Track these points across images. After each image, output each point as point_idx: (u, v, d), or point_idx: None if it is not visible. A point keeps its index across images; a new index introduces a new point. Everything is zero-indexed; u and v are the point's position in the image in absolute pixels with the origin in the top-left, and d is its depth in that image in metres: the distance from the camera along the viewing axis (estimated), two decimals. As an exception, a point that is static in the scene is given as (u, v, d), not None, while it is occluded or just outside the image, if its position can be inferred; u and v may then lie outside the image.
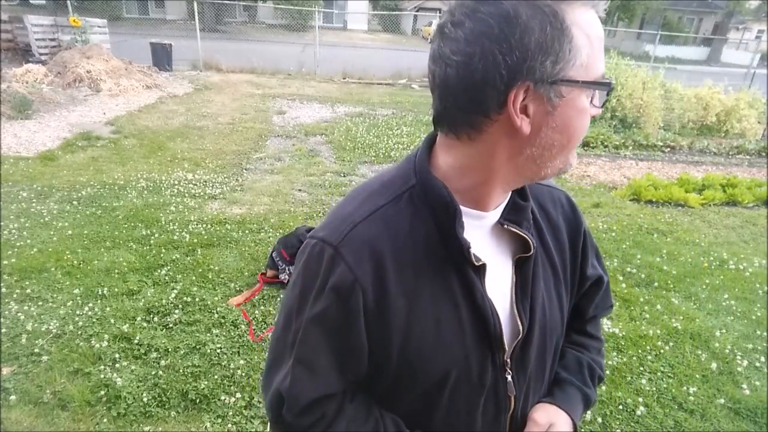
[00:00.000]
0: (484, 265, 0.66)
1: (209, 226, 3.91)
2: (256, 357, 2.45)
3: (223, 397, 2.18)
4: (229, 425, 2.06)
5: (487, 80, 0.55)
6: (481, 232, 0.68)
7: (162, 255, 3.37)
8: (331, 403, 0.69)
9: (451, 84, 0.58)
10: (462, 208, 0.65)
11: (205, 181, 4.92)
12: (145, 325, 2.63)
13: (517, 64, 0.54)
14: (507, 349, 0.69)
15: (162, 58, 11.27)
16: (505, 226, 0.69)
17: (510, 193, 0.70)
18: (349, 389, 0.71)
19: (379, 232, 0.65)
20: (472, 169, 0.64)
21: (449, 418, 0.71)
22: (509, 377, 0.71)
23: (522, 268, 0.71)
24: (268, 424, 0.82)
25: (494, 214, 0.69)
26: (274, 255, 3.08)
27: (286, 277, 3.02)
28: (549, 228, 0.77)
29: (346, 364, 0.68)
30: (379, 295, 0.64)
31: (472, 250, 0.64)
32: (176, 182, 4.83)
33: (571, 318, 0.83)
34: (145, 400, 2.14)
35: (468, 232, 0.65)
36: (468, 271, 0.66)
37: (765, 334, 3.04)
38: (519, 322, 0.70)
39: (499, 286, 0.70)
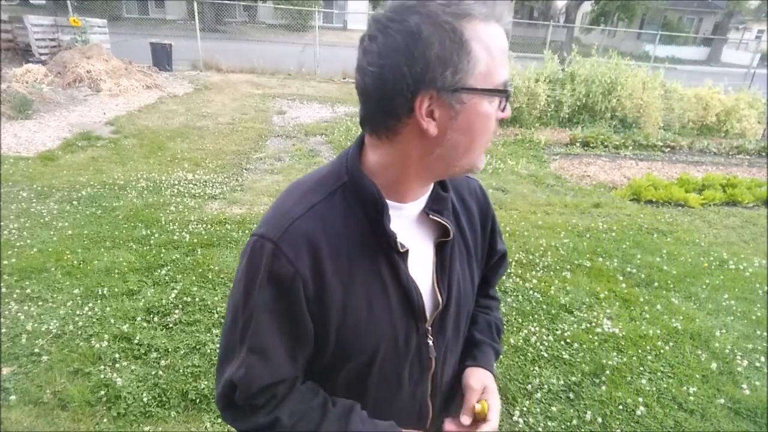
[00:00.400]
0: (407, 251, 0.76)
1: (209, 226, 3.91)
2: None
3: (223, 397, 2.18)
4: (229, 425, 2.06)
5: (396, 89, 0.64)
6: (404, 222, 0.77)
7: (162, 255, 3.37)
8: (282, 387, 0.76)
9: (369, 91, 0.67)
10: (387, 201, 0.73)
11: (205, 181, 4.92)
12: (145, 325, 2.63)
13: (420, 74, 0.62)
14: (428, 318, 0.81)
15: (162, 58, 11.27)
16: (430, 215, 0.79)
17: (432, 185, 0.79)
18: (299, 375, 0.78)
19: (315, 226, 0.72)
20: (393, 166, 0.73)
21: (381, 383, 0.81)
22: (430, 342, 0.82)
23: (442, 250, 0.81)
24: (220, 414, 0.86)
25: (416, 205, 0.78)
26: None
27: None
28: (465, 213, 0.88)
29: (295, 349, 0.75)
30: (318, 283, 0.71)
31: (398, 239, 0.74)
32: (176, 182, 4.84)
33: (479, 286, 0.96)
34: (145, 400, 2.14)
35: (393, 222, 0.74)
36: (394, 257, 0.75)
37: (765, 334, 3.04)
38: (439, 296, 0.81)
39: (421, 267, 0.80)
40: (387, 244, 0.74)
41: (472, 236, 0.88)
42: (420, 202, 0.78)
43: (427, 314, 0.81)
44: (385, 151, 0.72)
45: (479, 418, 0.84)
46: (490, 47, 0.64)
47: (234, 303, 0.75)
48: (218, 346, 0.89)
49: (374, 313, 0.75)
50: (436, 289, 0.81)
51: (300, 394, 0.78)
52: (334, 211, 0.73)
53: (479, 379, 0.89)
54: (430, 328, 0.82)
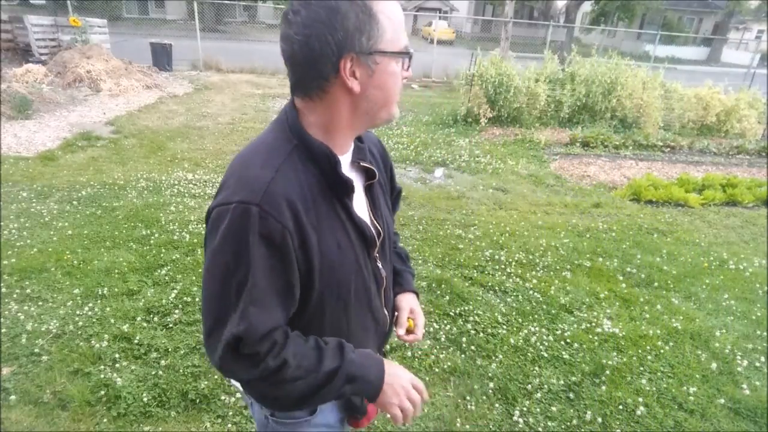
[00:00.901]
0: (353, 193, 0.91)
1: (209, 226, 3.90)
2: (256, 357, 2.45)
3: (223, 397, 2.18)
4: (229, 425, 2.06)
5: (323, 53, 0.77)
6: (345, 170, 0.90)
7: (162, 255, 3.37)
8: (279, 333, 0.85)
9: (299, 58, 0.79)
10: None
11: (205, 181, 4.92)
12: (145, 325, 2.63)
13: (342, 41, 0.76)
14: (376, 246, 0.98)
15: (162, 58, 11.27)
16: (361, 163, 0.95)
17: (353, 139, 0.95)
18: (287, 323, 0.88)
19: (285, 185, 0.81)
20: (329, 124, 0.86)
21: (356, 309, 0.97)
22: (379, 264, 1.01)
23: (370, 190, 0.99)
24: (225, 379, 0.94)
25: (347, 156, 0.93)
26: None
27: None
28: (374, 160, 1.03)
29: (286, 299, 0.85)
30: (300, 234, 0.82)
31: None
32: (176, 182, 4.84)
33: None
34: (145, 400, 2.14)
35: None
36: (345, 201, 0.90)
37: (765, 334, 3.04)
38: (379, 228, 0.99)
39: (360, 207, 0.96)
40: (342, 190, 0.89)
41: (382, 178, 1.06)
42: (349, 154, 0.94)
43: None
44: (319, 111, 0.85)
45: (409, 331, 1.14)
46: (392, 19, 0.80)
47: (221, 269, 0.81)
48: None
49: (342, 249, 0.90)
50: (375, 223, 0.98)
51: (294, 339, 0.88)
52: (295, 169, 0.84)
53: (407, 302, 1.18)
54: (377, 254, 1.00)
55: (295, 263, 0.82)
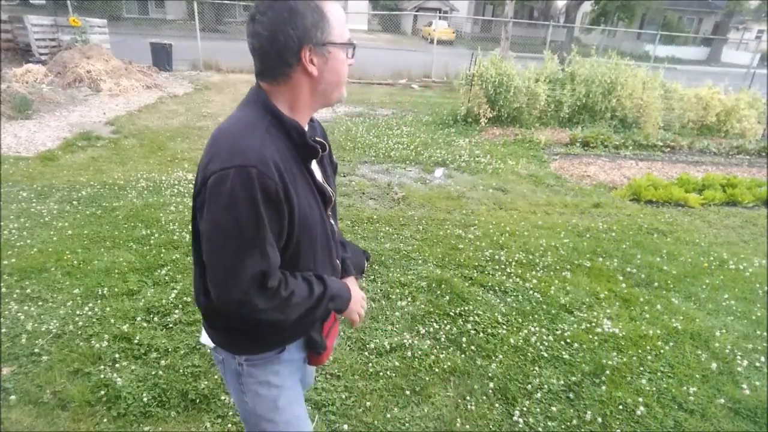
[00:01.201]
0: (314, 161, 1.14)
1: (209, 226, 3.90)
2: (256, 357, 2.45)
3: (223, 397, 2.18)
4: (229, 425, 2.06)
5: (287, 45, 0.99)
6: None
7: (162, 255, 3.37)
8: (280, 272, 1.05)
9: (266, 49, 1.00)
10: None
11: (205, 181, 4.91)
12: (145, 325, 2.63)
13: (302, 35, 0.98)
14: (331, 205, 1.21)
15: (162, 58, 11.27)
16: (315, 138, 1.15)
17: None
18: None
19: (270, 151, 0.99)
20: (294, 103, 1.07)
21: (320, 255, 1.18)
22: (331, 221, 1.23)
23: (321, 162, 1.21)
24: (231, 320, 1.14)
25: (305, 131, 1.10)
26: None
27: None
28: (321, 136, 1.24)
29: (279, 243, 1.05)
30: (285, 191, 1.00)
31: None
32: (176, 182, 4.84)
33: None
34: (145, 400, 2.14)
35: None
36: (309, 167, 1.12)
37: (765, 334, 3.04)
38: (331, 192, 1.20)
39: (317, 174, 1.16)
40: (309, 156, 1.11)
41: (328, 153, 1.26)
42: (305, 130, 1.11)
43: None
44: (284, 93, 1.06)
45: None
46: (338, 18, 1.04)
47: (234, 222, 0.96)
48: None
49: (311, 206, 1.10)
50: (329, 188, 1.19)
51: (287, 274, 1.07)
52: (273, 139, 1.02)
53: (350, 283, 1.37)
54: (330, 212, 1.22)
55: (285, 214, 1.02)
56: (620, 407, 2.32)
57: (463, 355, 2.61)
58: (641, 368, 2.62)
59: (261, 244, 0.99)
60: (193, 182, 1.09)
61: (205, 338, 1.24)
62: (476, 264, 3.61)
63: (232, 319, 1.13)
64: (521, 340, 2.76)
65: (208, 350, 1.30)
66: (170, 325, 2.64)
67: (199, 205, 1.02)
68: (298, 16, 0.97)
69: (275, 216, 1.00)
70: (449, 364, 2.52)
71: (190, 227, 3.83)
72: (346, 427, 2.10)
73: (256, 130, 1.01)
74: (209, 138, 1.06)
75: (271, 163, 0.97)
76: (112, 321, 2.63)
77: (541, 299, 3.22)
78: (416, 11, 32.58)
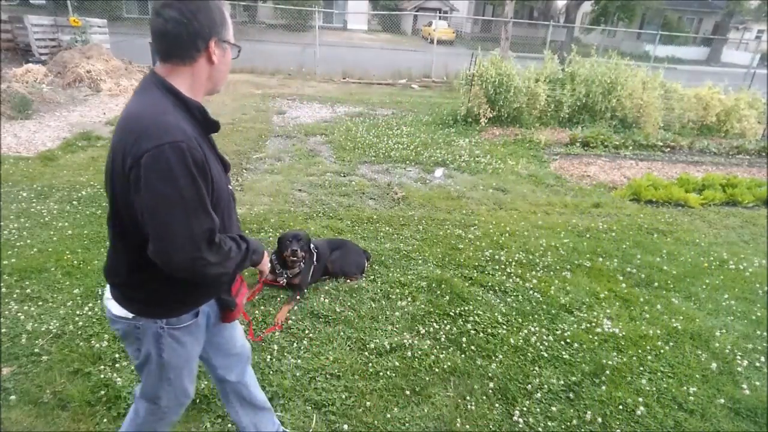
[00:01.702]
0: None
1: (209, 226, 3.90)
2: (256, 357, 2.45)
3: (223, 397, 2.18)
4: (229, 425, 2.06)
5: (201, 33, 1.18)
6: None
7: (162, 255, 3.37)
8: None
9: (180, 33, 1.16)
10: None
11: (205, 181, 4.91)
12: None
13: (211, 27, 1.20)
14: (228, 173, 1.40)
15: (162, 58, 11.24)
16: (208, 117, 1.28)
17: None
18: None
19: (186, 127, 1.16)
20: (193, 84, 1.24)
21: (228, 218, 1.34)
22: (230, 187, 1.39)
23: (209, 139, 1.34)
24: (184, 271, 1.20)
25: None
26: (273, 258, 3.08)
27: (284, 281, 3.03)
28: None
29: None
30: (206, 161, 1.17)
31: None
32: (176, 182, 4.82)
33: None
34: (145, 400, 2.13)
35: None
36: (212, 140, 1.34)
37: (765, 334, 3.04)
38: (227, 160, 1.39)
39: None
40: (213, 129, 1.30)
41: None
42: None
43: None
44: (186, 75, 1.23)
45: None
46: (231, 23, 1.28)
47: (178, 192, 1.11)
48: None
49: (220, 173, 1.29)
50: (225, 156, 1.38)
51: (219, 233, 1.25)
52: (182, 117, 1.19)
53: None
54: (229, 180, 1.41)
55: (209, 180, 1.19)
56: (620, 407, 2.32)
57: (463, 355, 2.61)
58: (641, 368, 2.62)
59: (204, 206, 1.16)
60: (109, 162, 1.20)
61: (118, 310, 1.34)
62: (476, 264, 3.61)
63: (159, 286, 1.29)
64: (521, 340, 2.76)
65: (114, 323, 1.38)
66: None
67: (133, 181, 1.12)
68: (210, 11, 1.20)
69: (204, 182, 1.16)
70: (449, 364, 2.52)
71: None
72: (346, 427, 2.10)
73: (167, 110, 1.17)
74: (122, 120, 1.18)
75: (192, 137, 1.15)
76: (112, 321, 2.63)
77: (541, 299, 3.22)
78: (416, 11, 32.58)
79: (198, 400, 2.16)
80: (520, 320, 2.97)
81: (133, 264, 1.26)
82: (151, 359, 1.39)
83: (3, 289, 2.85)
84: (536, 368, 2.56)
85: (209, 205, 1.17)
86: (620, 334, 2.87)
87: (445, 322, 2.89)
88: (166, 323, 1.35)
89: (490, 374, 2.48)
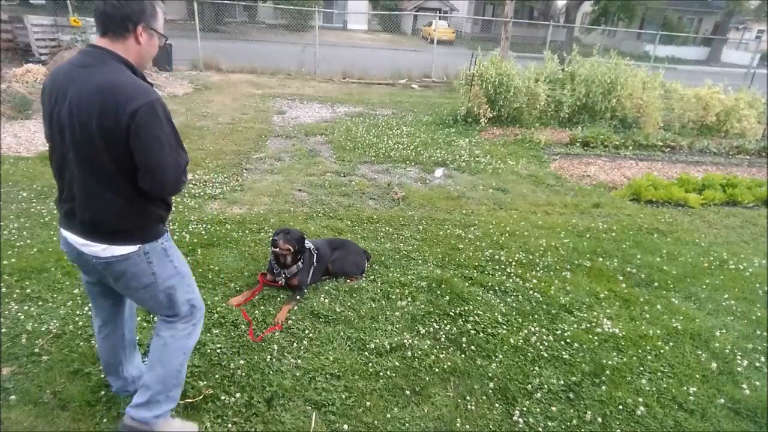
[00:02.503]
0: None
1: (209, 226, 3.91)
2: (256, 357, 2.45)
3: (222, 397, 2.18)
4: (229, 425, 2.06)
5: (133, 18, 1.50)
6: None
7: (162, 255, 3.37)
8: None
9: (110, 14, 1.48)
10: None
11: (205, 181, 4.92)
12: (145, 325, 2.63)
13: (141, 15, 1.51)
14: None
15: (162, 57, 11.24)
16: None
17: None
18: None
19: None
20: (130, 56, 1.55)
21: None
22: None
23: None
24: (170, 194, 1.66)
25: None
26: (271, 259, 3.08)
27: (282, 280, 3.03)
28: None
29: None
30: None
31: None
32: (176, 182, 4.82)
33: None
34: (145, 400, 2.13)
35: None
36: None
37: (765, 334, 3.04)
38: None
39: None
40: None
41: None
42: None
43: None
44: (121, 49, 1.53)
45: None
46: (162, 16, 1.61)
47: (167, 136, 1.52)
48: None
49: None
50: None
51: None
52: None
53: None
54: None
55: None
56: (620, 407, 2.32)
57: (463, 355, 2.61)
58: (641, 368, 2.62)
59: (181, 144, 1.59)
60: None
61: (123, 250, 1.62)
62: (476, 264, 3.61)
63: (152, 212, 1.66)
64: (521, 340, 2.76)
65: (118, 264, 1.64)
66: (170, 325, 2.63)
67: (132, 131, 1.44)
68: (142, 3, 1.51)
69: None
70: (449, 364, 2.52)
71: (190, 228, 3.83)
72: (346, 427, 2.10)
73: (133, 77, 1.51)
74: (97, 89, 1.44)
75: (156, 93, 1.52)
76: (112, 321, 2.62)
77: (541, 299, 3.22)
78: (416, 11, 32.58)
79: (198, 400, 2.16)
80: (520, 320, 2.97)
81: (127, 203, 1.58)
82: (168, 274, 1.73)
83: (3, 289, 2.85)
84: (536, 368, 2.56)
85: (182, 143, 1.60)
86: (620, 334, 2.87)
87: (445, 322, 2.89)
88: (164, 239, 1.72)
89: (490, 374, 2.48)
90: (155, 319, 2.17)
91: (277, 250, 2.93)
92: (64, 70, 1.53)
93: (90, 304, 2.75)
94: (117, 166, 1.51)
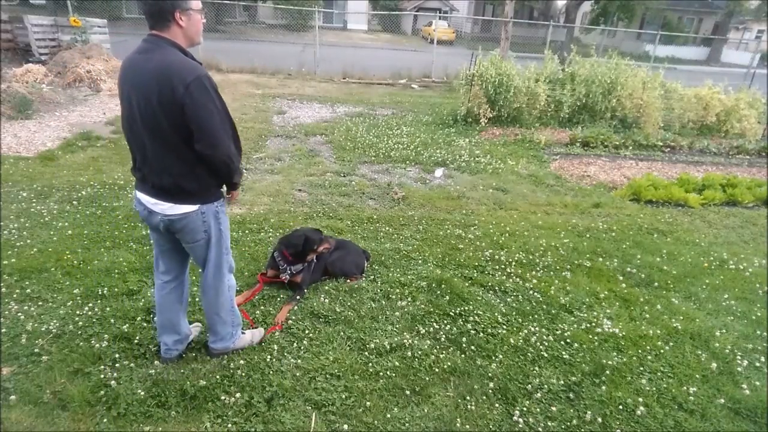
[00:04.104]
0: None
1: (209, 226, 3.90)
2: (256, 357, 2.45)
3: (222, 397, 2.18)
4: (229, 425, 2.06)
5: (165, 9, 1.77)
6: None
7: (162, 255, 3.37)
8: None
9: (151, 12, 1.78)
10: None
11: (205, 181, 4.90)
12: (145, 325, 2.63)
13: (173, 3, 1.77)
14: None
15: (162, 58, 11.24)
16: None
17: None
18: None
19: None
20: (180, 40, 1.83)
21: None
22: None
23: None
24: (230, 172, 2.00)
25: None
26: (275, 255, 3.08)
27: (287, 277, 3.02)
28: None
29: None
30: None
31: None
32: (176, 182, 4.82)
33: None
34: (145, 400, 2.13)
35: None
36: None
37: (765, 334, 3.04)
38: None
39: None
40: None
41: None
42: None
43: None
44: (169, 33, 1.80)
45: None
46: None
47: (217, 103, 1.83)
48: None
49: None
50: None
51: None
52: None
53: None
54: None
55: None
56: (620, 407, 2.32)
57: (463, 355, 2.61)
58: (641, 368, 2.62)
59: (228, 117, 1.90)
60: (147, 103, 1.76)
61: (184, 209, 1.94)
62: (476, 264, 3.61)
63: (207, 178, 1.95)
64: (521, 340, 2.76)
65: (179, 222, 1.98)
66: (170, 325, 2.63)
67: (188, 102, 1.72)
68: None
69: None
70: (449, 364, 2.52)
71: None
72: (346, 427, 2.10)
73: (184, 57, 1.80)
74: (155, 69, 1.74)
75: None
76: (112, 321, 2.63)
77: (541, 299, 3.22)
78: (416, 11, 32.58)
79: (198, 401, 2.16)
80: (520, 320, 2.97)
81: (189, 167, 1.87)
82: (215, 233, 2.07)
83: (3, 289, 2.85)
84: (536, 368, 2.56)
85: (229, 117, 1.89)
86: (620, 334, 2.87)
87: (445, 322, 2.89)
88: (219, 203, 2.06)
89: (490, 374, 2.48)
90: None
91: (325, 248, 3.11)
92: (130, 57, 1.86)
93: (90, 305, 2.77)
94: (179, 136, 1.80)
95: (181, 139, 1.81)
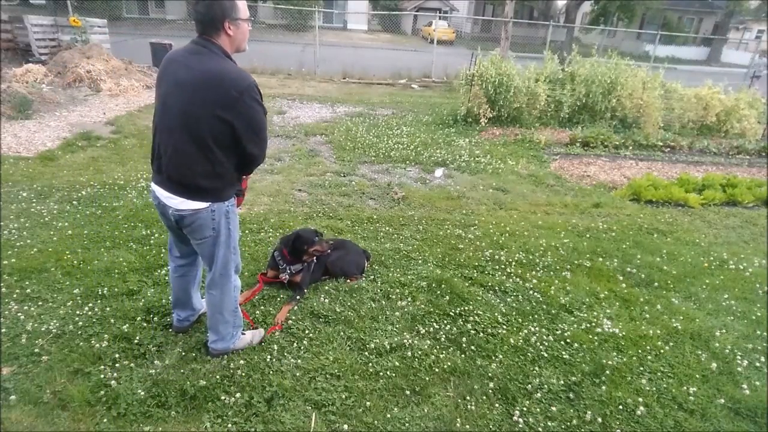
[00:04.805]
0: None
1: (209, 226, 3.90)
2: (256, 357, 2.45)
3: (222, 397, 2.18)
4: (229, 425, 2.06)
5: (217, 17, 1.89)
6: None
7: (162, 255, 3.37)
8: None
9: (202, 19, 1.91)
10: None
11: (205, 181, 4.90)
12: (145, 325, 2.63)
13: (226, 12, 1.90)
14: None
15: (162, 58, 11.25)
16: None
17: None
18: None
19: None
20: (227, 47, 1.97)
21: None
22: None
23: None
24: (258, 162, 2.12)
25: None
26: (275, 255, 3.08)
27: (287, 276, 3.02)
28: None
29: None
30: None
31: None
32: (176, 182, 4.82)
33: None
34: (145, 400, 2.13)
35: None
36: None
37: (765, 334, 3.04)
38: None
39: None
40: None
41: None
42: None
43: None
44: (218, 40, 1.92)
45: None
46: (243, 4, 1.95)
47: (263, 113, 1.99)
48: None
49: None
50: None
51: None
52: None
53: None
54: None
55: None
56: (620, 407, 2.32)
57: (463, 355, 2.61)
58: (641, 368, 2.62)
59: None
60: (192, 102, 1.87)
61: (196, 205, 2.00)
62: (476, 264, 3.61)
63: (227, 178, 2.04)
64: (521, 340, 2.76)
65: (189, 217, 2.03)
66: (170, 325, 2.64)
67: (240, 107, 1.87)
68: (222, 3, 1.87)
69: None
70: (449, 364, 2.52)
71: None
72: (346, 427, 2.10)
73: (233, 65, 1.93)
74: (207, 72, 1.87)
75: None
76: (112, 321, 2.63)
77: (541, 299, 3.22)
78: (416, 11, 32.57)
79: (198, 401, 2.16)
80: (520, 320, 2.97)
81: (211, 167, 1.95)
82: (223, 232, 2.11)
83: (3, 289, 2.85)
84: (536, 368, 2.56)
85: None
86: (620, 334, 2.87)
87: (445, 322, 2.89)
88: (230, 203, 2.10)
89: (490, 374, 2.48)
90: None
91: (317, 250, 3.04)
92: (180, 54, 1.96)
93: (90, 305, 2.77)
94: (212, 137, 1.90)
95: (213, 140, 1.91)
